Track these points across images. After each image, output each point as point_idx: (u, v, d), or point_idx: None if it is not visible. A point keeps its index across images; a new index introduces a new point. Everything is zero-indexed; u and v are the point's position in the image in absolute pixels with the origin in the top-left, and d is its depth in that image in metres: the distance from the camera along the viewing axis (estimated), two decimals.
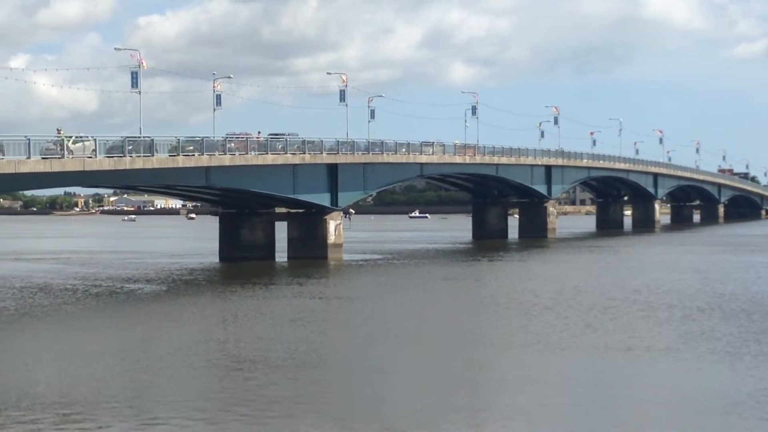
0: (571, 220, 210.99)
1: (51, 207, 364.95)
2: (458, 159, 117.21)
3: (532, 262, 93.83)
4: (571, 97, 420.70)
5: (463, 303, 59.75)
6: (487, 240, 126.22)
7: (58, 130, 63.43)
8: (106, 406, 30.79)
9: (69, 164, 66.61)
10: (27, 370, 37.38)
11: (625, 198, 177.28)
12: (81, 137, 69.27)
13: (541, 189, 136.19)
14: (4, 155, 62.27)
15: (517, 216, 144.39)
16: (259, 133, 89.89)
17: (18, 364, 38.85)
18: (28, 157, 63.63)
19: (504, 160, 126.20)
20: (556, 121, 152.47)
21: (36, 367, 38.11)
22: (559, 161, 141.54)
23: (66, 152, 64.52)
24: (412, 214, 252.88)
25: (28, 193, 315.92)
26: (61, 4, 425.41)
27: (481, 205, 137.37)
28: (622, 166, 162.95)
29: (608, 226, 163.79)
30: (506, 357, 39.81)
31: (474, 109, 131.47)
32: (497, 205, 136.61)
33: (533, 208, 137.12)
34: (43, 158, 64.94)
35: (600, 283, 68.64)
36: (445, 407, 30.43)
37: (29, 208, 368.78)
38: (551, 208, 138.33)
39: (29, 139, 64.59)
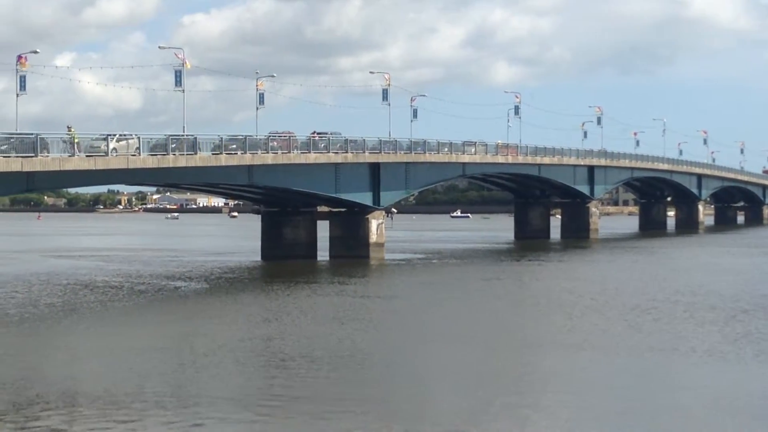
0: (614, 220, 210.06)
1: (95, 204, 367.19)
2: (500, 159, 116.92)
3: (574, 262, 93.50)
4: (615, 98, 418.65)
5: (504, 303, 59.64)
6: (529, 240, 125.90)
7: (68, 127, 63.11)
8: (149, 401, 30.95)
9: (113, 162, 66.96)
10: (72, 366, 37.66)
11: (669, 199, 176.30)
12: (125, 135, 69.56)
13: (584, 189, 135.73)
14: (49, 153, 62.68)
15: (559, 216, 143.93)
16: (313, 132, 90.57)
17: (63, 360, 39.14)
18: (72, 155, 64.05)
19: (546, 160, 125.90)
20: (599, 122, 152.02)
21: (80, 363, 38.40)
22: (602, 161, 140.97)
23: (75, 150, 63.54)
24: (454, 214, 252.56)
25: (72, 190, 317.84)
26: (107, 3, 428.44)
27: (523, 205, 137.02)
28: (665, 166, 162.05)
29: (651, 227, 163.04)
30: (548, 357, 39.66)
31: (517, 109, 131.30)
32: (539, 205, 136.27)
33: (575, 209, 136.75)
34: (87, 156, 65.32)
35: (642, 284, 68.30)
36: (486, 406, 30.37)
37: (73, 205, 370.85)
38: (594, 208, 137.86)
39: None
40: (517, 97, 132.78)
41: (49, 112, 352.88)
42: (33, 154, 61.10)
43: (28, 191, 70.97)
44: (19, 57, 70.41)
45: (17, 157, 60.22)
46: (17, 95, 70.86)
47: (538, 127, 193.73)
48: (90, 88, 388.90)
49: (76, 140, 62.65)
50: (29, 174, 62.39)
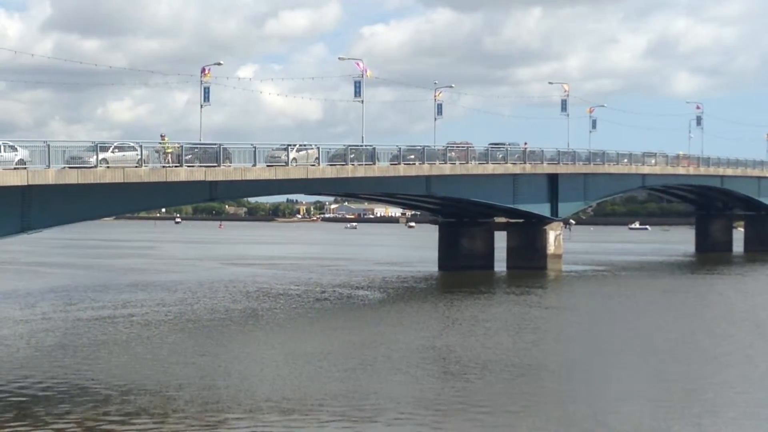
0: None
1: (274, 214, 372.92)
2: (681, 170, 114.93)
3: (758, 276, 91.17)
4: None
5: (685, 316, 58.42)
6: (711, 253, 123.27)
7: (162, 136, 62.62)
8: (328, 405, 31.34)
9: (293, 172, 67.74)
10: (255, 369, 38.27)
11: None
12: (305, 145, 70.35)
13: None
14: (231, 163, 63.74)
15: (742, 229, 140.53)
16: (525, 143, 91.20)
17: (247, 363, 39.77)
18: (254, 165, 64.97)
19: (729, 171, 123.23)
20: None
21: (264, 367, 39.00)
22: None
23: (168, 160, 59.92)
24: (632, 226, 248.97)
25: (252, 199, 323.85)
26: (289, 16, 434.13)
27: (705, 218, 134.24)
28: None
29: None
30: (733, 374, 38.69)
31: (699, 120, 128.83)
32: (721, 217, 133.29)
33: (760, 221, 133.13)
34: (268, 166, 66.20)
35: None
36: (666, 420, 29.77)
37: (253, 214, 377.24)
38: None
39: (255, 147, 65.92)
40: (698, 107, 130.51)
41: (232, 122, 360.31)
42: (216, 164, 62.20)
43: (210, 200, 72.21)
44: (203, 69, 71.97)
45: (201, 166, 61.33)
46: (201, 106, 72.50)
47: (720, 138, 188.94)
48: (271, 99, 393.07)
49: (169, 150, 60.65)
50: (212, 183, 63.50)
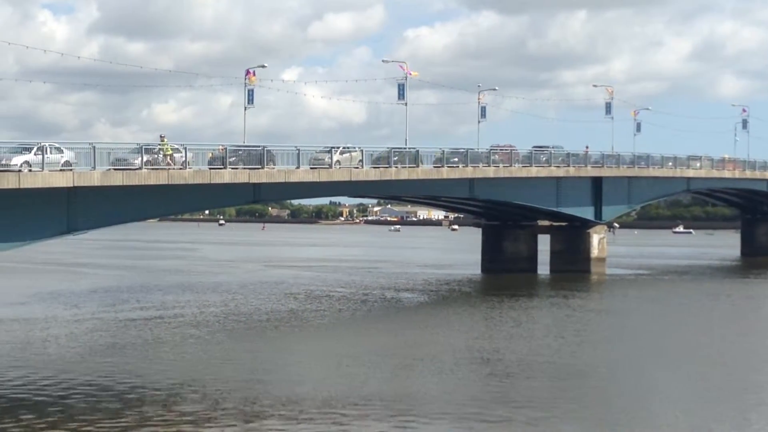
0: None
1: (317, 216, 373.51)
2: (727, 174, 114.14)
3: None
4: None
5: (732, 320, 58.06)
6: (757, 257, 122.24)
7: (161, 137, 61.79)
8: (371, 405, 31.48)
9: (336, 174, 67.78)
10: (296, 369, 38.45)
11: None
12: (348, 148, 70.39)
13: None
14: (275, 165, 63.84)
15: None
16: (587, 147, 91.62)
17: (289, 363, 39.96)
18: (298, 167, 65.06)
19: None
20: None
21: (305, 366, 39.21)
22: None
23: (168, 161, 57.83)
24: (676, 230, 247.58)
25: (295, 202, 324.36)
26: (334, 18, 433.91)
27: (750, 221, 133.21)
28: None
29: None
30: None
31: (744, 123, 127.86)
32: (767, 221, 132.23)
33: None
34: (311, 168, 66.28)
35: None
36: (711, 422, 29.60)
37: (296, 216, 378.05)
38: None
39: (299, 150, 66.03)
40: (744, 110, 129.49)
41: (276, 124, 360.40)
42: (260, 166, 62.31)
43: (254, 202, 72.34)
44: (248, 71, 72.17)
45: (245, 168, 61.47)
46: (245, 108, 72.66)
47: (767, 141, 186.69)
48: (315, 101, 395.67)
49: (168, 152, 58.69)
50: (256, 185, 63.62)
